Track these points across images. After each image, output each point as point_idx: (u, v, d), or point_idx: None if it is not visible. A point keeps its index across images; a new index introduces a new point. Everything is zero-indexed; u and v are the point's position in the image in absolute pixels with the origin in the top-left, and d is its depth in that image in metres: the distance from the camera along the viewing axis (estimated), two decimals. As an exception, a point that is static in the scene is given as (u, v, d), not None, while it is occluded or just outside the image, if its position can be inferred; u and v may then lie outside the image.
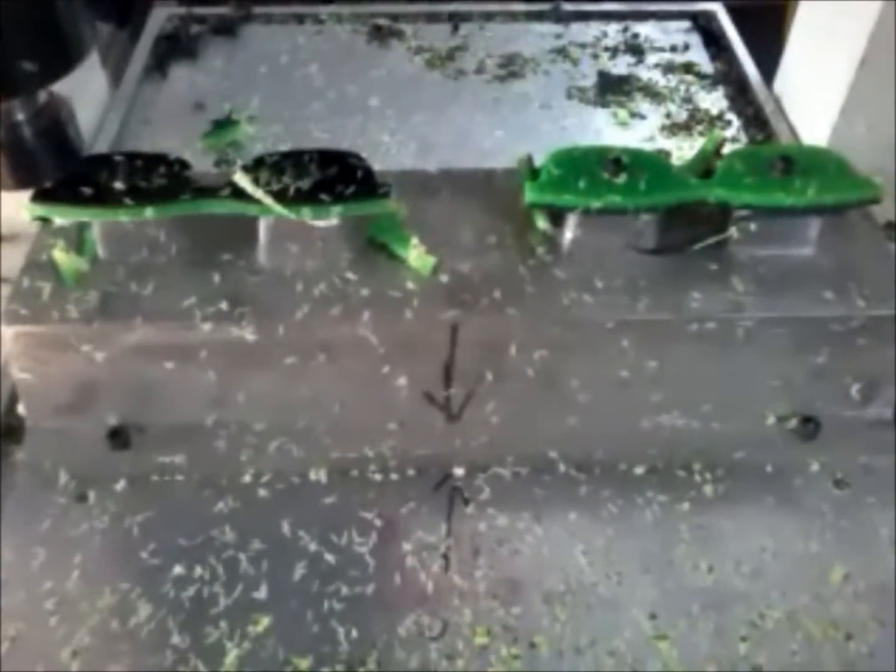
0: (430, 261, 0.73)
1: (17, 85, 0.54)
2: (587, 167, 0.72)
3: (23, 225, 0.77)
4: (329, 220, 0.71)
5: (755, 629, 0.64)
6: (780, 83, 1.12)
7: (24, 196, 0.73)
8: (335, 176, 0.72)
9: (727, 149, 0.78)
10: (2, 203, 0.85)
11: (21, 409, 0.75)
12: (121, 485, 0.72)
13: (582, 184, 0.71)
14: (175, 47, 1.21)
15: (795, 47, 1.09)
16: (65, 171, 0.65)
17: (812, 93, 1.02)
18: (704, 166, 0.75)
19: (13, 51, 0.52)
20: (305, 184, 0.71)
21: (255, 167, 0.72)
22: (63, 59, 0.55)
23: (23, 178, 0.62)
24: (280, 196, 0.70)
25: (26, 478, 0.73)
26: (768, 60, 1.13)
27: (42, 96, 0.59)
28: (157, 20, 1.24)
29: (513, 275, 0.73)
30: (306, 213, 0.70)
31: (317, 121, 1.07)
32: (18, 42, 0.52)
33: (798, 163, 0.72)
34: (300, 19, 1.27)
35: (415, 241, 0.73)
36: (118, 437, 0.74)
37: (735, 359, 0.73)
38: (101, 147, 1.00)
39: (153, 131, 1.07)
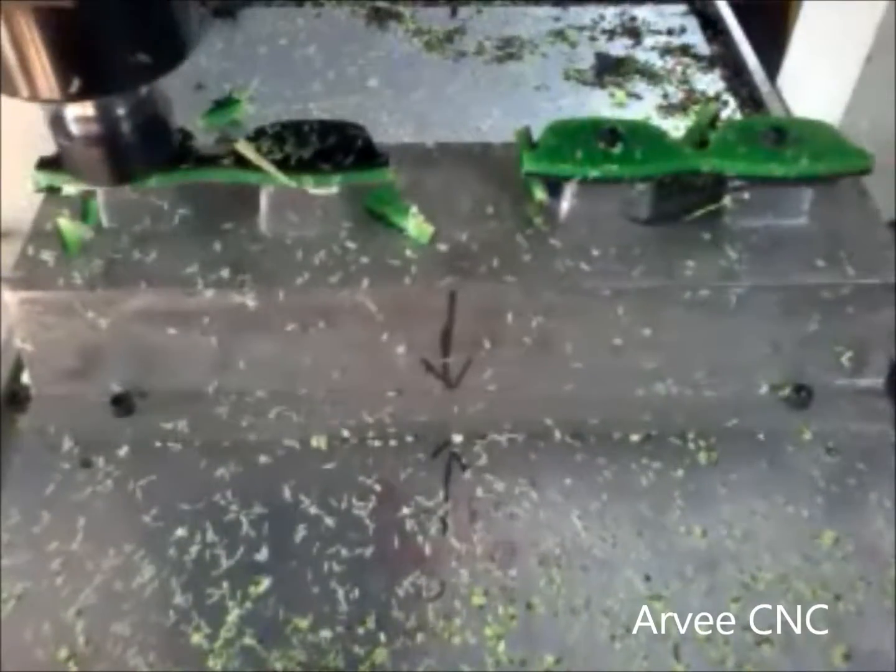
0: (429, 230, 0.74)
1: (132, 78, 0.54)
2: (584, 138, 0.73)
3: (19, 222, 0.78)
4: (329, 188, 0.72)
5: (747, 590, 0.65)
6: (784, 80, 1.11)
7: (23, 193, 0.73)
8: (335, 145, 0.73)
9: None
10: (1, 199, 0.86)
11: (26, 376, 0.76)
12: (124, 450, 0.73)
13: (579, 154, 0.72)
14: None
15: (800, 44, 1.08)
16: (159, 165, 0.65)
17: (817, 90, 1.01)
18: (699, 138, 0.76)
19: (129, 44, 0.52)
20: (306, 153, 0.72)
21: (256, 137, 0.73)
22: (176, 51, 0.55)
23: (121, 173, 0.62)
24: (281, 165, 0.71)
25: (31, 443, 0.74)
26: (772, 57, 1.13)
27: (142, 90, 0.59)
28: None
29: (510, 243, 0.74)
30: (307, 182, 0.71)
31: (316, 100, 1.07)
32: (134, 35, 0.51)
33: (790, 133, 0.73)
34: (299, 2, 1.27)
35: (414, 210, 0.74)
36: (122, 403, 0.75)
37: (728, 326, 0.74)
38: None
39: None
